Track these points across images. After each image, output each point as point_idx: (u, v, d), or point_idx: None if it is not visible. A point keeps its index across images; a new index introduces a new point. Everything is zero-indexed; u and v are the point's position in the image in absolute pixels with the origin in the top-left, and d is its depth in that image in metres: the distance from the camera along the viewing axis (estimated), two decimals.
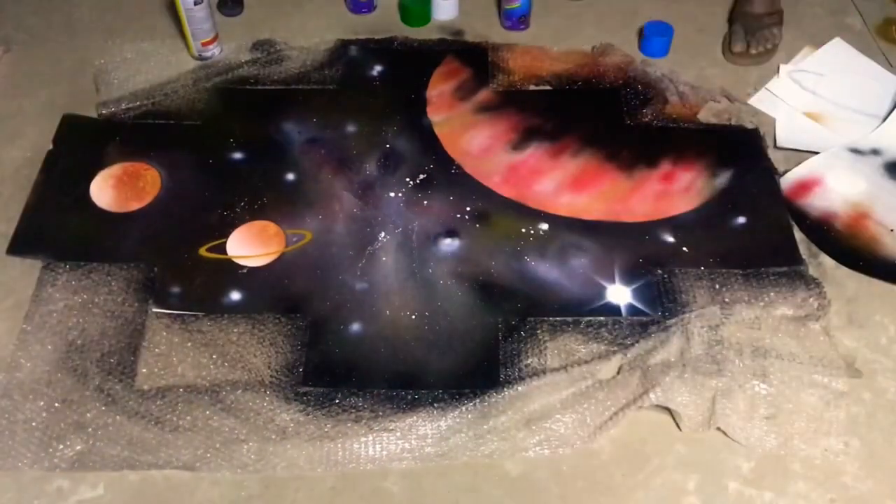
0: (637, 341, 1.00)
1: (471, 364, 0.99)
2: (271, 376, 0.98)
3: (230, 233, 1.12)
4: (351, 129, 1.26)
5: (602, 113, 1.29)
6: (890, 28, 1.41)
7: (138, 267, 1.07)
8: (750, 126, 1.27)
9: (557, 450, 0.92)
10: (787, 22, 1.42)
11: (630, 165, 1.21)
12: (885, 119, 1.25)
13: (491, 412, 0.94)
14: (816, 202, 1.16)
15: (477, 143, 1.24)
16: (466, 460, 0.91)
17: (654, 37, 1.38)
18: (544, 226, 1.13)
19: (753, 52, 1.36)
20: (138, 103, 1.29)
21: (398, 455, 0.91)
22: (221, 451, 0.91)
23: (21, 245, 1.10)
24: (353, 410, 0.94)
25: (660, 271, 1.08)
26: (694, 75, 1.35)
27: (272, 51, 1.38)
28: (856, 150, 1.22)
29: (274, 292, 1.06)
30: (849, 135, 1.25)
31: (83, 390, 0.95)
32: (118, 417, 0.93)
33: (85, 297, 1.04)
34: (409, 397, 0.96)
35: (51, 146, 1.22)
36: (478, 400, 0.94)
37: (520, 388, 0.95)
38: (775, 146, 1.24)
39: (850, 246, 1.11)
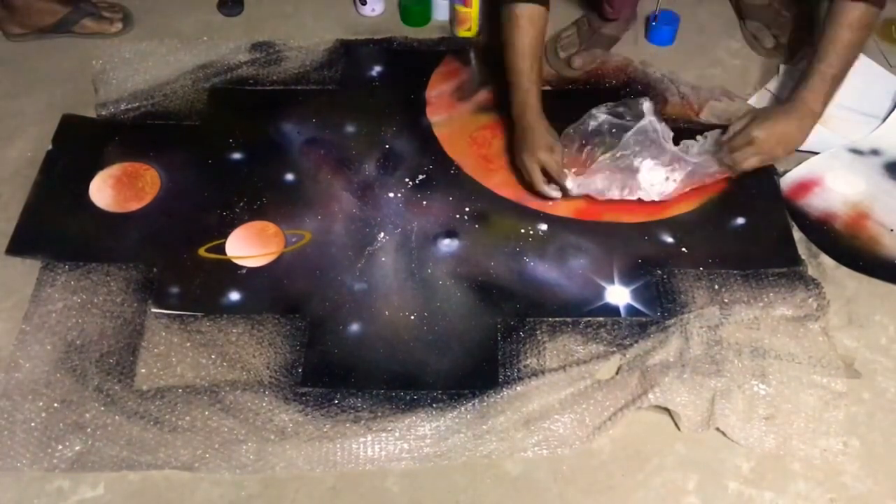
0: (636, 342, 1.00)
1: (470, 364, 0.99)
2: (270, 377, 0.98)
3: (229, 233, 1.12)
4: (350, 129, 1.26)
5: None
6: (890, 28, 1.41)
7: (137, 267, 1.08)
8: None
9: (556, 450, 0.92)
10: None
11: None
12: (884, 119, 1.25)
13: (490, 412, 0.94)
14: (816, 202, 1.16)
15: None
16: (465, 460, 0.91)
17: (662, 25, 1.39)
18: (543, 226, 1.13)
19: (784, 41, 1.38)
20: (137, 104, 1.29)
21: (397, 455, 0.91)
22: (221, 451, 0.91)
23: (21, 245, 1.10)
24: (352, 411, 0.94)
25: (659, 272, 1.08)
26: (694, 75, 1.35)
27: (271, 51, 1.38)
28: (856, 151, 1.22)
29: (273, 293, 1.06)
30: (849, 135, 1.24)
31: (82, 390, 0.95)
32: (117, 418, 0.93)
33: (84, 297, 1.04)
34: (408, 398, 0.96)
35: (51, 146, 1.22)
36: (476, 400, 0.94)
37: (518, 389, 0.95)
38: None
39: (849, 246, 1.11)
